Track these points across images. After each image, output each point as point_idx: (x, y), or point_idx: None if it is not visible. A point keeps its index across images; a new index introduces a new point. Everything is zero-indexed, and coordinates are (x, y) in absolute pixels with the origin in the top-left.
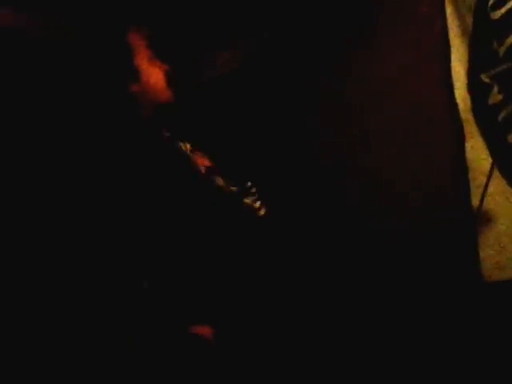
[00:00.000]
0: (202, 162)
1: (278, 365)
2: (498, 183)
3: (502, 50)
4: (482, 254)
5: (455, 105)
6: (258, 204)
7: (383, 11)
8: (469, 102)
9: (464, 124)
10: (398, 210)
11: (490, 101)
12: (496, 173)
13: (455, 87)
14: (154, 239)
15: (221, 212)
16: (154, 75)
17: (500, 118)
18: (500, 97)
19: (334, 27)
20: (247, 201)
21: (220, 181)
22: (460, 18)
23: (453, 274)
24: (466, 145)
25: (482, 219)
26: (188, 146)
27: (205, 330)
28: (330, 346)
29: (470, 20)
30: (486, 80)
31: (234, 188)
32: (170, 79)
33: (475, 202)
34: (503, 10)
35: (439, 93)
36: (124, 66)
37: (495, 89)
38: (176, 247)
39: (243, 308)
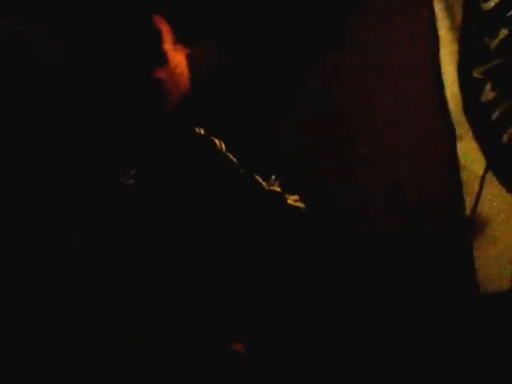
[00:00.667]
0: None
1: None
2: (492, 186)
3: (494, 44)
4: (476, 264)
5: (446, 103)
6: (300, 203)
7: (372, 8)
8: (460, 100)
9: (455, 124)
10: (392, 214)
11: (483, 98)
12: (490, 175)
13: (445, 85)
14: (191, 244)
15: (268, 213)
16: (181, 61)
17: (493, 116)
18: (493, 94)
19: (324, 28)
20: (290, 201)
21: (262, 181)
22: (449, 10)
23: (447, 284)
24: (458, 146)
25: (476, 225)
26: (223, 144)
27: (238, 347)
28: (324, 348)
29: (459, 12)
30: (478, 76)
31: (277, 188)
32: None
33: (468, 206)
34: (496, 0)
35: (429, 91)
36: (151, 50)
37: (488, 85)
38: (217, 253)
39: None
